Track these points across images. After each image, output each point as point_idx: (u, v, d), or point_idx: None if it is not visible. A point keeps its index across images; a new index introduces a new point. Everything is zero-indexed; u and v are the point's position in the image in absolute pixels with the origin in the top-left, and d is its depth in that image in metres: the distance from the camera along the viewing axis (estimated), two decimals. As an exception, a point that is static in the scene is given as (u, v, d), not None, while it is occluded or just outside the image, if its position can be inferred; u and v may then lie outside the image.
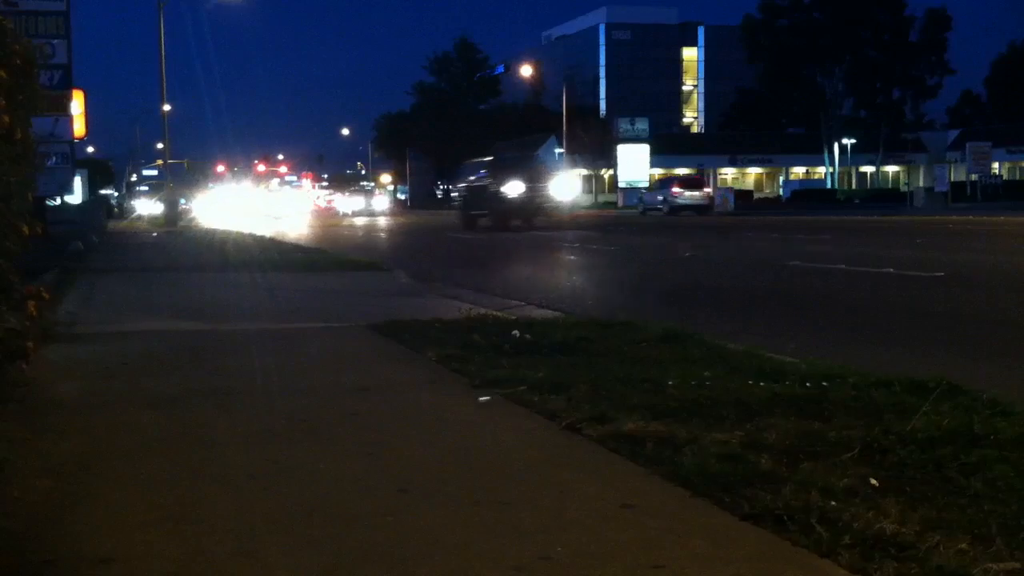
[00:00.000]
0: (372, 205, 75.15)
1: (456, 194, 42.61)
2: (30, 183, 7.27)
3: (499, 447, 4.30)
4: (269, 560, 3.00)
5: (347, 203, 78.70)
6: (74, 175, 25.48)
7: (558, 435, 4.43)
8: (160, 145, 62.80)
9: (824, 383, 5.11)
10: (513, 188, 34.60)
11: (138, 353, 6.99)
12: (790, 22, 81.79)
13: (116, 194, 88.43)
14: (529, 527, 3.25)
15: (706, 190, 53.56)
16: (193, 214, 56.99)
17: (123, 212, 67.34)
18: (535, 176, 35.96)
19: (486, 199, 35.50)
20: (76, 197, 34.21)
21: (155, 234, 33.00)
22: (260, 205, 65.70)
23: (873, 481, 3.52)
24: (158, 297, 11.35)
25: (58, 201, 24.79)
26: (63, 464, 4.08)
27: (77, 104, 20.26)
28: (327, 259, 16.76)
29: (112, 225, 43.47)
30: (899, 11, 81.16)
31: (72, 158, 22.74)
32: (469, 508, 3.45)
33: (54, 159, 20.24)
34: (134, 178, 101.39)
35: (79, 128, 21.03)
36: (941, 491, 3.42)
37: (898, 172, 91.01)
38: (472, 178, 38.16)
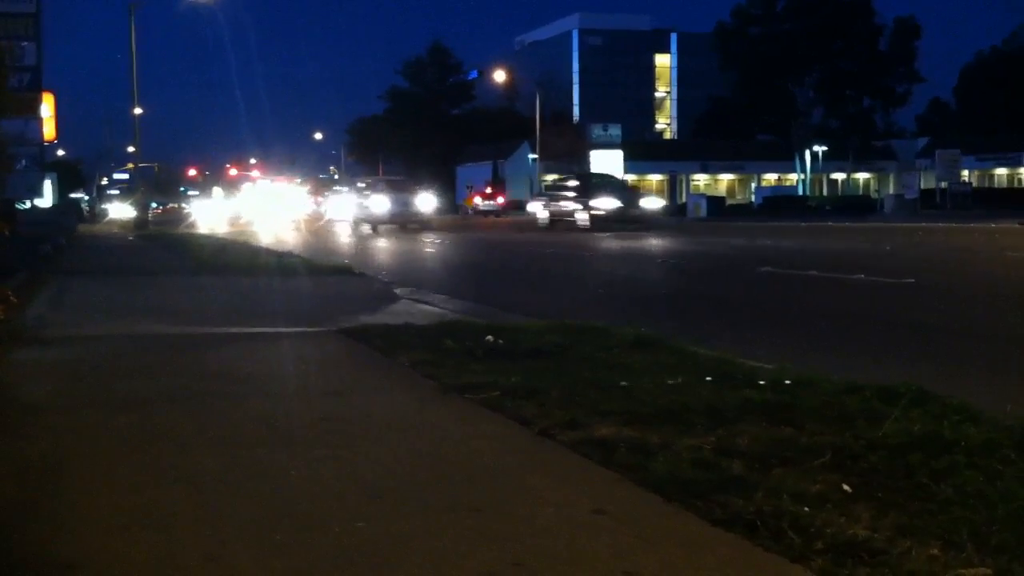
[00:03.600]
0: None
1: None
2: (-1, 185, 7.19)
3: (471, 453, 4.28)
4: (238, 566, 2.98)
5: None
6: (44, 178, 25.31)
7: (531, 441, 4.42)
8: (131, 148, 62.39)
9: (795, 389, 5.12)
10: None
11: (107, 356, 6.93)
12: (762, 30, 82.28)
13: (86, 197, 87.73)
14: (501, 533, 3.24)
15: (499, 200, 71.11)
16: (192, 219, 56.90)
17: (93, 215, 66.81)
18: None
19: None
20: (46, 200, 33.94)
21: (131, 238, 32.76)
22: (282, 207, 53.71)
23: (845, 487, 3.52)
24: (128, 300, 11.26)
25: (28, 204, 24.60)
26: (29, 467, 4.04)
27: (47, 107, 20.12)
28: (301, 263, 16.68)
29: (82, 228, 43.12)
30: (869, 20, 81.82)
31: (42, 161, 22.60)
32: (441, 514, 3.43)
33: (24, 162, 20.10)
34: (104, 181, 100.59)
35: (49, 131, 20.90)
36: (912, 497, 3.43)
37: (869, 179, 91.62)
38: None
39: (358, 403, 5.38)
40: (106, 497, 3.63)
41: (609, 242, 27.52)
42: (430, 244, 28.48)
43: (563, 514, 3.41)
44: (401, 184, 43.26)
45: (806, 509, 3.27)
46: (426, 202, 40.37)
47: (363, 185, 43.89)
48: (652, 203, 39.91)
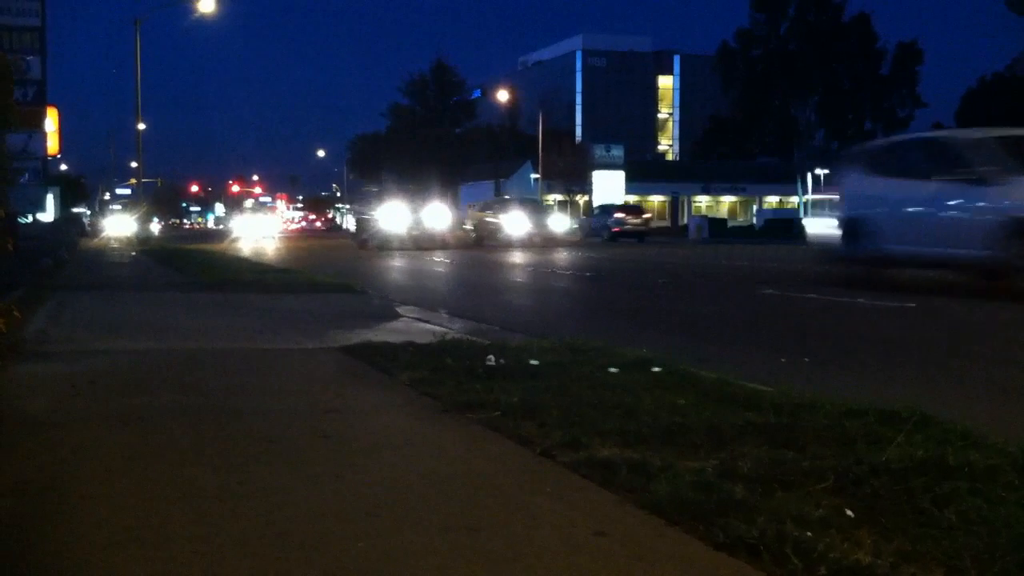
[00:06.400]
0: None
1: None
2: (2, 199, 7.20)
3: (471, 472, 4.26)
4: (236, 585, 2.95)
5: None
6: (46, 192, 25.36)
7: (531, 461, 4.40)
8: (134, 163, 62.19)
9: (797, 411, 5.10)
10: None
11: (107, 371, 6.91)
12: (765, 52, 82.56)
13: (88, 212, 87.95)
14: (500, 554, 3.22)
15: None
16: (234, 235, 54.51)
17: (95, 230, 66.96)
18: None
19: None
20: (48, 214, 34.03)
21: (134, 253, 32.78)
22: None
23: (848, 512, 3.50)
24: (128, 316, 11.25)
25: (30, 218, 24.64)
26: (27, 483, 4.02)
27: (51, 121, 20.18)
28: (302, 280, 16.67)
29: (84, 243, 43.19)
30: (871, 44, 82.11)
31: (45, 175, 22.62)
32: (439, 533, 3.41)
33: (27, 176, 20.14)
34: (107, 196, 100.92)
35: (52, 145, 20.95)
36: (915, 522, 3.41)
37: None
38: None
39: (357, 421, 5.37)
40: (104, 513, 3.60)
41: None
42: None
43: (563, 535, 3.39)
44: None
45: (809, 534, 3.24)
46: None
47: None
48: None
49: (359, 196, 44.48)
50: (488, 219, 44.75)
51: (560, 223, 45.17)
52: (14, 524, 3.50)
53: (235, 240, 50.36)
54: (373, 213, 41.51)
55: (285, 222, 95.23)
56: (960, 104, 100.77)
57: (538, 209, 46.29)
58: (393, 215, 39.53)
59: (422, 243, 37.93)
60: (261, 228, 58.26)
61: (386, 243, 37.90)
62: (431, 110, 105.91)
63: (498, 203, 48.67)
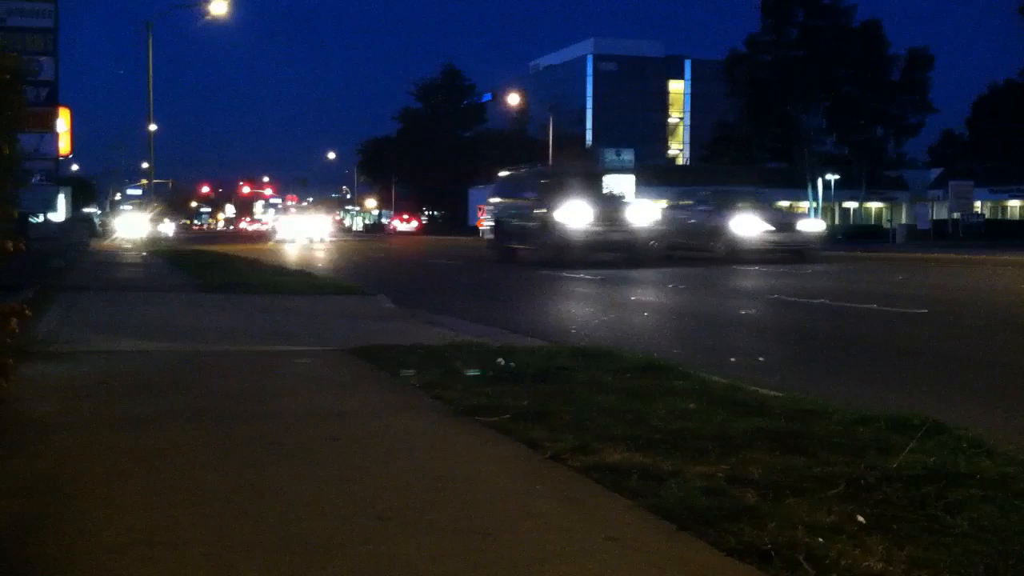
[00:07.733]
0: None
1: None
2: (14, 199, 7.21)
3: (480, 476, 4.25)
4: (245, 587, 2.95)
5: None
6: (58, 193, 25.41)
7: (541, 465, 4.38)
8: (145, 164, 61.93)
9: (807, 418, 5.08)
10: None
11: (116, 373, 6.91)
12: (773, 58, 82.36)
13: (99, 212, 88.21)
14: (511, 559, 3.20)
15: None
16: (277, 238, 49.75)
17: (106, 231, 67.09)
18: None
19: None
20: (59, 215, 34.09)
21: (144, 253, 32.81)
22: None
23: (859, 518, 3.49)
24: (138, 317, 11.26)
25: (41, 218, 24.70)
26: (35, 485, 4.02)
27: (63, 122, 20.20)
28: (309, 282, 16.67)
29: (95, 244, 43.29)
30: (881, 50, 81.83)
31: (56, 175, 22.67)
32: (449, 538, 3.40)
33: (38, 176, 20.16)
34: (117, 197, 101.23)
35: (64, 146, 20.97)
36: (927, 530, 3.39)
37: (881, 209, 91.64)
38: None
39: (366, 424, 5.36)
40: (113, 515, 3.60)
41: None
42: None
43: (574, 540, 3.38)
44: None
45: (820, 540, 3.23)
46: None
47: None
48: None
49: (499, 182, 29.60)
50: (693, 220, 30.28)
51: (813, 225, 29.36)
52: (23, 525, 3.50)
53: (280, 243, 46.81)
54: (532, 206, 26.89)
55: (334, 222, 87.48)
56: (971, 110, 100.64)
57: (763, 206, 31.41)
58: (570, 210, 25.21)
59: (604, 255, 25.44)
60: (309, 230, 51.34)
61: (561, 254, 24.82)
62: (441, 114, 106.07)
63: (706, 196, 32.33)
